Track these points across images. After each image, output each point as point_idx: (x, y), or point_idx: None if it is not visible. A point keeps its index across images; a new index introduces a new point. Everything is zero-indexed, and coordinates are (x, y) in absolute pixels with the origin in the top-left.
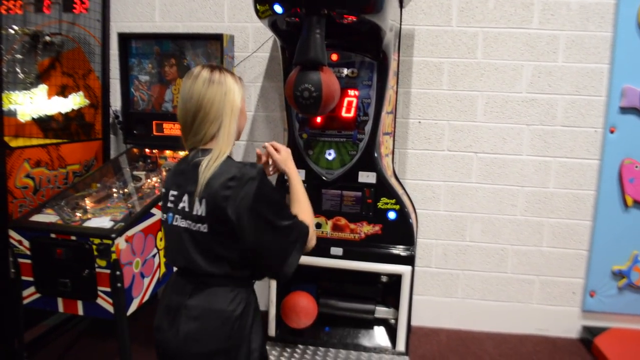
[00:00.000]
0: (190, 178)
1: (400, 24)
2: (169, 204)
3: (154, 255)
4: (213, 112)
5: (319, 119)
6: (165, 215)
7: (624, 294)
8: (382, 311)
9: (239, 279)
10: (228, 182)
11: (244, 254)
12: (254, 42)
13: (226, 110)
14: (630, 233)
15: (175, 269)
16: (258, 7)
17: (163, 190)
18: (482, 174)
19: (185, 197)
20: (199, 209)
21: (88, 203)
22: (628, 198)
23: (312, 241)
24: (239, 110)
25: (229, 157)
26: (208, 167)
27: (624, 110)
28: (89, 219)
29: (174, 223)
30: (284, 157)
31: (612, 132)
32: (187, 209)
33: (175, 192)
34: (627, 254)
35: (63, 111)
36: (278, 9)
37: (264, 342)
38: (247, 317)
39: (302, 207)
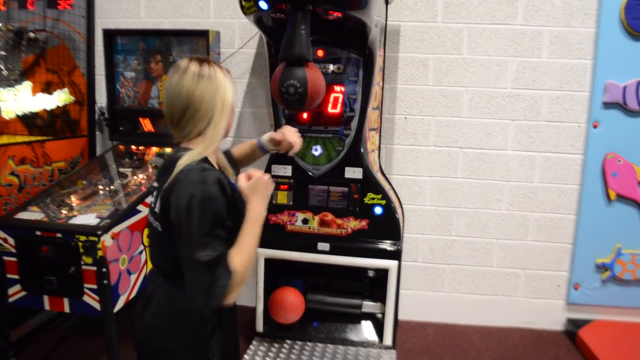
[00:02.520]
0: (166, 174)
1: (386, 20)
2: (151, 199)
3: (140, 252)
4: (203, 109)
5: (305, 115)
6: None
7: (607, 286)
8: (369, 306)
9: None
10: (176, 182)
11: None
12: (240, 38)
13: (217, 107)
14: (614, 226)
15: None
16: (243, 3)
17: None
18: (467, 169)
19: (155, 193)
20: (157, 206)
21: (74, 200)
22: (611, 192)
23: (230, 297)
24: (230, 107)
25: (205, 160)
26: (179, 166)
27: (607, 105)
28: (75, 216)
29: (148, 219)
30: (246, 189)
31: (595, 127)
32: (152, 205)
33: (156, 186)
34: (611, 247)
35: (48, 108)
36: (263, 5)
37: (225, 353)
38: (209, 324)
39: (242, 253)
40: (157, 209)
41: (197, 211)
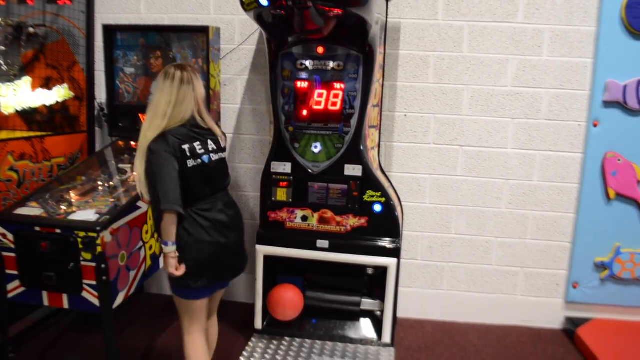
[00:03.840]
0: (202, 133)
1: (387, 18)
2: (199, 151)
3: (139, 248)
4: (186, 102)
5: (305, 112)
6: (198, 159)
7: (606, 285)
8: (368, 303)
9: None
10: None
11: None
12: (240, 35)
13: (197, 98)
14: (613, 225)
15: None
16: None
17: (182, 147)
18: (467, 167)
19: (210, 142)
20: (223, 143)
21: (73, 196)
22: (610, 191)
23: None
24: (204, 95)
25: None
26: (213, 124)
27: (607, 104)
28: (74, 212)
29: (213, 159)
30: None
31: (595, 125)
32: (216, 147)
33: (199, 144)
34: (610, 246)
35: (47, 104)
36: (264, 1)
37: (200, 258)
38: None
39: None
40: (222, 145)
41: None
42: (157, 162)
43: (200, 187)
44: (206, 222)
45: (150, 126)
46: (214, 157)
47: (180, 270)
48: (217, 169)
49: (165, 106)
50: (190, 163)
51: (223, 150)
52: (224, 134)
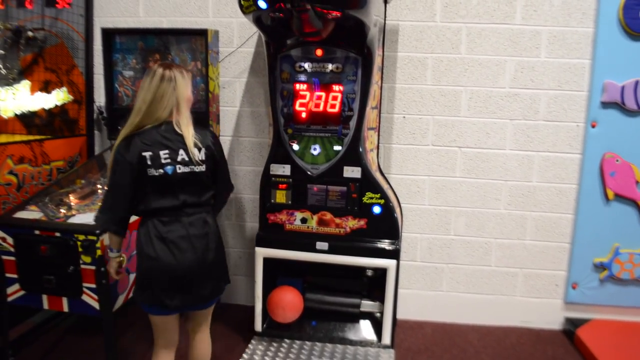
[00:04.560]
0: (175, 140)
1: (385, 20)
2: (164, 160)
3: None
4: (164, 101)
5: (303, 115)
6: (160, 170)
7: (605, 285)
8: (367, 305)
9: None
10: (210, 137)
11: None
12: (239, 38)
13: (179, 99)
14: (611, 226)
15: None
16: (242, 2)
17: (143, 154)
18: (466, 169)
19: (182, 152)
20: (199, 156)
21: (72, 199)
22: (609, 191)
23: None
24: (189, 97)
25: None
26: (189, 131)
27: (605, 105)
28: (74, 215)
29: (178, 171)
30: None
31: (593, 126)
32: (187, 159)
33: (166, 151)
34: (609, 247)
35: (46, 107)
36: (262, 4)
37: (140, 270)
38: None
39: None
40: (199, 157)
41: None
42: (111, 169)
43: (158, 198)
44: (156, 236)
45: (126, 124)
46: (182, 169)
47: (118, 275)
48: (185, 182)
49: (140, 102)
50: (150, 172)
51: (199, 163)
52: (214, 145)
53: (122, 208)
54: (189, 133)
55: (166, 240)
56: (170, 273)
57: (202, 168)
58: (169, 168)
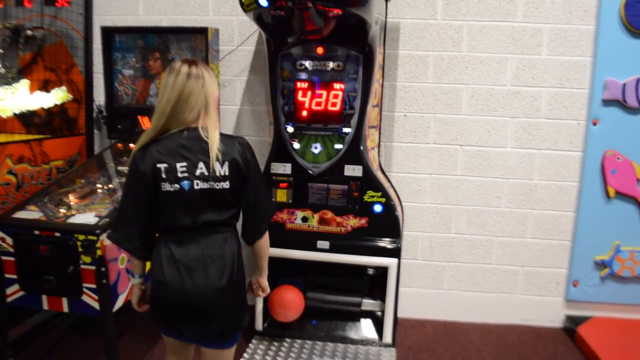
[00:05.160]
0: (196, 150)
1: (386, 18)
2: (181, 174)
3: None
4: (191, 101)
5: (304, 113)
6: (176, 185)
7: (606, 283)
8: (368, 304)
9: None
10: (239, 148)
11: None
12: (239, 36)
13: (207, 98)
14: (612, 223)
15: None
16: (243, 0)
17: (156, 165)
18: (467, 167)
19: (201, 165)
20: (221, 170)
21: (72, 199)
22: (610, 189)
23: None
24: (217, 97)
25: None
26: (215, 139)
27: (607, 102)
28: (73, 215)
29: (195, 187)
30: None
31: (594, 124)
32: (206, 173)
33: (184, 164)
34: (609, 244)
35: (46, 106)
36: (263, 2)
37: (152, 297)
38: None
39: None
40: (222, 172)
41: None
42: (126, 180)
43: (174, 216)
44: (168, 257)
45: (148, 129)
46: (200, 185)
47: (142, 308)
48: (204, 200)
49: (164, 104)
50: (165, 187)
51: (221, 179)
52: (242, 158)
53: (135, 224)
54: (214, 141)
55: (178, 262)
56: (179, 299)
57: (225, 185)
58: (185, 183)
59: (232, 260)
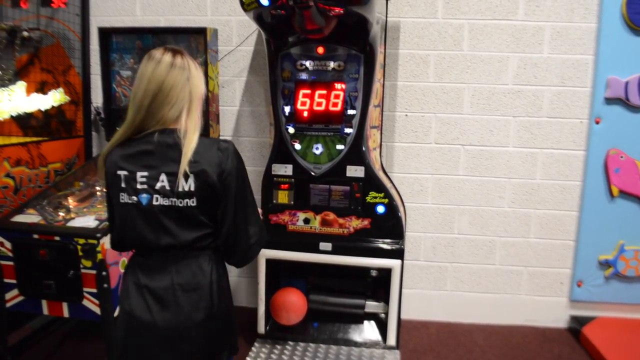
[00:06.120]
0: (163, 158)
1: (386, 17)
2: (140, 185)
3: None
4: (172, 95)
5: (305, 114)
6: (133, 197)
7: (610, 283)
8: (372, 305)
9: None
10: (216, 158)
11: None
12: (238, 36)
13: (192, 94)
14: (616, 223)
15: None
16: None
17: (116, 172)
18: (469, 167)
19: (163, 177)
20: (185, 186)
21: (71, 202)
22: (614, 188)
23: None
24: (201, 95)
25: (201, 135)
26: (190, 145)
27: (609, 101)
28: (73, 218)
29: (154, 203)
30: None
31: (597, 122)
32: (167, 188)
33: (144, 173)
34: (614, 244)
35: (43, 108)
36: (264, 1)
37: (122, 313)
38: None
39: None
40: (185, 187)
41: (243, 165)
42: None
43: (135, 233)
44: (135, 283)
45: (122, 127)
46: (160, 200)
47: None
48: (165, 219)
49: (142, 96)
50: (123, 198)
51: (184, 195)
52: (218, 169)
53: (117, 233)
54: (189, 148)
55: (143, 290)
56: (145, 333)
57: (191, 202)
58: (144, 197)
59: (210, 290)
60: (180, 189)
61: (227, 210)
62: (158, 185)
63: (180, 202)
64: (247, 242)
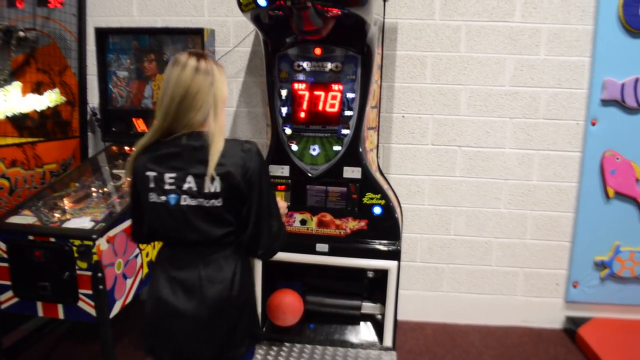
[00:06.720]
0: (190, 160)
1: (384, 18)
2: (168, 186)
3: (136, 256)
4: (198, 99)
5: (302, 114)
6: (161, 197)
7: (606, 284)
8: (368, 307)
9: None
10: (239, 160)
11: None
12: (235, 37)
13: (217, 98)
14: (612, 224)
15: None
16: (241, 0)
17: (145, 173)
18: (466, 168)
19: (190, 179)
20: (211, 187)
21: (67, 203)
22: (609, 189)
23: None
24: (224, 99)
25: (226, 139)
26: (216, 151)
27: (605, 102)
28: (68, 219)
29: (182, 203)
30: None
31: (593, 124)
32: (194, 189)
33: (172, 174)
34: (609, 245)
35: (38, 109)
36: (262, 2)
37: (146, 313)
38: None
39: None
40: (212, 189)
41: (268, 176)
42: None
43: (163, 231)
44: (163, 272)
45: (150, 130)
46: (187, 201)
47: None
48: (193, 218)
49: (168, 101)
50: (152, 197)
51: (211, 196)
52: (242, 170)
53: (140, 229)
54: (217, 151)
55: (173, 281)
56: (177, 320)
57: (217, 202)
58: (172, 197)
59: (232, 283)
60: (206, 190)
61: (251, 207)
62: (185, 186)
63: (207, 202)
64: (270, 236)
